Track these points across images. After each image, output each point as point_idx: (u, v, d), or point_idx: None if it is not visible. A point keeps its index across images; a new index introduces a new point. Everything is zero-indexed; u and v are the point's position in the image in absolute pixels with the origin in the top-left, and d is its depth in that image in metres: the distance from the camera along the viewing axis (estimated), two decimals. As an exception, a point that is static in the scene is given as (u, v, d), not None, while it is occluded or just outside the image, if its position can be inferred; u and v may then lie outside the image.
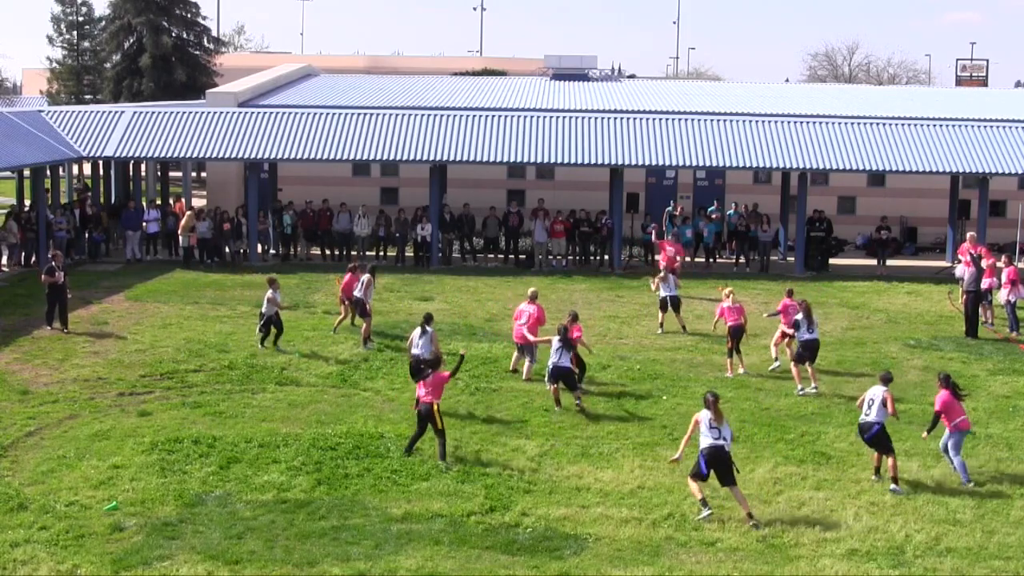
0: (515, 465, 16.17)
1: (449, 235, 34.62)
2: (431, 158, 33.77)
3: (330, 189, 38.09)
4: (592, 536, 13.81)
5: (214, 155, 34.20)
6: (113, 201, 37.02)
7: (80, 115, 35.41)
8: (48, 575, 12.46)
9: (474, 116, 35.35)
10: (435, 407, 16.19)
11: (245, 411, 18.58)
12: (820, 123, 35.30)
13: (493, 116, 35.40)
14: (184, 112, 35.47)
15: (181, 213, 34.48)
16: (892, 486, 15.44)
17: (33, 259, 31.96)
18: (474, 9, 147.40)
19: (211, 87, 49.34)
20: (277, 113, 35.45)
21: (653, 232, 33.56)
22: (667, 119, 35.41)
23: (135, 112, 35.52)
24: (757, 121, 35.33)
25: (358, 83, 47.66)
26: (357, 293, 23.57)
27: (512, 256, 35.07)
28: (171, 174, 44.66)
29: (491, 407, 19.09)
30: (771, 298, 27.94)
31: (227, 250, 33.90)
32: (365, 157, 34.29)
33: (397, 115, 35.23)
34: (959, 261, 28.46)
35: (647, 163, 34.07)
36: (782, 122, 35.31)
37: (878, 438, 15.72)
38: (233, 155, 34.07)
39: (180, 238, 33.51)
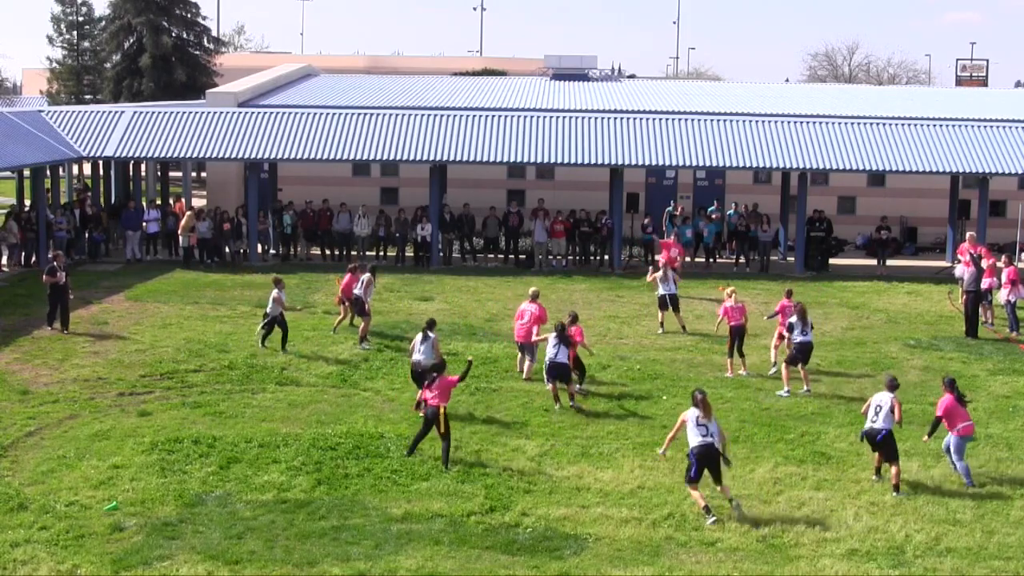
0: (515, 465, 16.17)
1: (449, 235, 34.61)
2: (431, 158, 33.76)
3: (330, 189, 38.08)
4: (592, 536, 13.81)
5: (214, 155, 34.20)
6: (113, 201, 37.00)
7: (80, 115, 35.41)
8: (48, 575, 12.47)
9: (474, 116, 35.35)
10: (442, 411, 16.12)
11: (245, 411, 18.59)
12: (820, 123, 35.30)
13: (493, 116, 35.39)
14: (184, 112, 35.47)
15: (181, 213, 34.46)
16: (893, 493, 15.40)
17: (33, 259, 31.95)
18: (474, 9, 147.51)
19: (211, 87, 49.34)
20: (277, 113, 35.45)
21: (649, 223, 33.66)
22: (667, 119, 35.40)
23: (135, 112, 35.52)
24: (757, 121, 35.33)
25: (358, 83, 47.64)
26: (357, 292, 23.60)
27: (512, 256, 35.05)
28: (171, 174, 44.64)
29: (491, 407, 19.09)
30: (771, 298, 27.93)
31: (227, 250, 33.89)
32: (365, 157, 34.29)
33: (397, 115, 35.23)
34: (959, 261, 28.43)
35: (647, 163, 34.07)
36: (782, 122, 35.30)
37: (885, 444, 15.64)
38: (233, 155, 34.07)
39: (180, 238, 33.50)
